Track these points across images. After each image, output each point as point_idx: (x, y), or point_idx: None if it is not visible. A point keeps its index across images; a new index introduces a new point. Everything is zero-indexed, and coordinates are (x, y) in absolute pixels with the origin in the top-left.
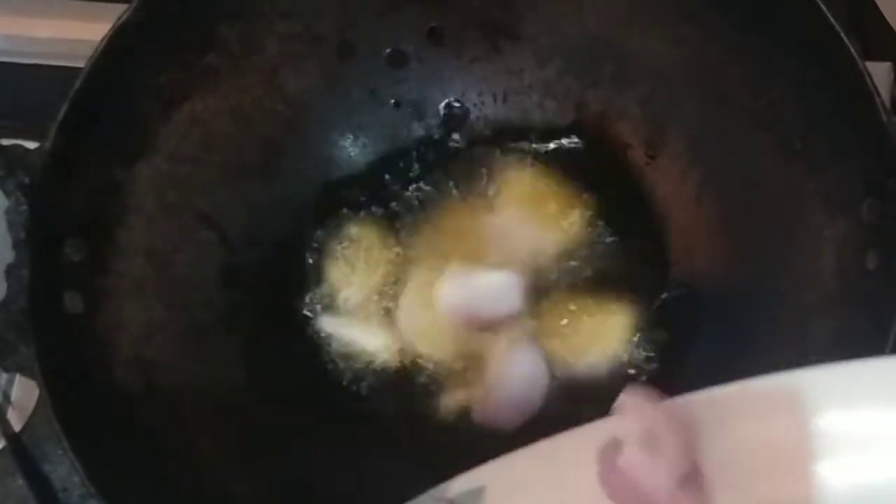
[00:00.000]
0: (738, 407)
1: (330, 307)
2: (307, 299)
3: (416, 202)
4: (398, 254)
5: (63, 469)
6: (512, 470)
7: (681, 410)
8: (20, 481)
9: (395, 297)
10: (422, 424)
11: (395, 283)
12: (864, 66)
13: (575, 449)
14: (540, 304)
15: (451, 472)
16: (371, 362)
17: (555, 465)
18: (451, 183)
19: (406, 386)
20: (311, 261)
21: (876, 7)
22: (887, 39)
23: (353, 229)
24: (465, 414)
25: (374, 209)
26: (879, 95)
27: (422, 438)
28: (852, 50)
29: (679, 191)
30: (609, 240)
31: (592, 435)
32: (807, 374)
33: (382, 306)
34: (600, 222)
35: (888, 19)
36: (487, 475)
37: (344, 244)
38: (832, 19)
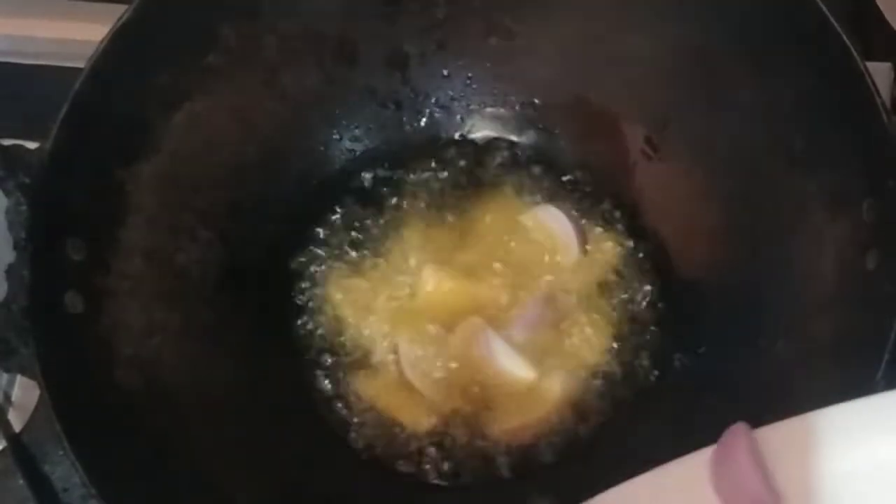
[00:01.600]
0: None
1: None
2: (306, 299)
3: (417, 203)
4: (397, 254)
5: (63, 469)
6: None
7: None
8: (20, 481)
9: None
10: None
11: (393, 286)
12: (865, 66)
13: (685, 470)
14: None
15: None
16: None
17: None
18: (451, 183)
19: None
20: (310, 260)
21: (876, 7)
22: (887, 39)
23: (353, 230)
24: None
25: (373, 209)
26: (879, 95)
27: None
28: (852, 50)
29: (680, 190)
30: (608, 239)
31: (698, 459)
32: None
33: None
34: (599, 223)
35: (888, 19)
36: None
37: (343, 244)
38: (832, 19)
